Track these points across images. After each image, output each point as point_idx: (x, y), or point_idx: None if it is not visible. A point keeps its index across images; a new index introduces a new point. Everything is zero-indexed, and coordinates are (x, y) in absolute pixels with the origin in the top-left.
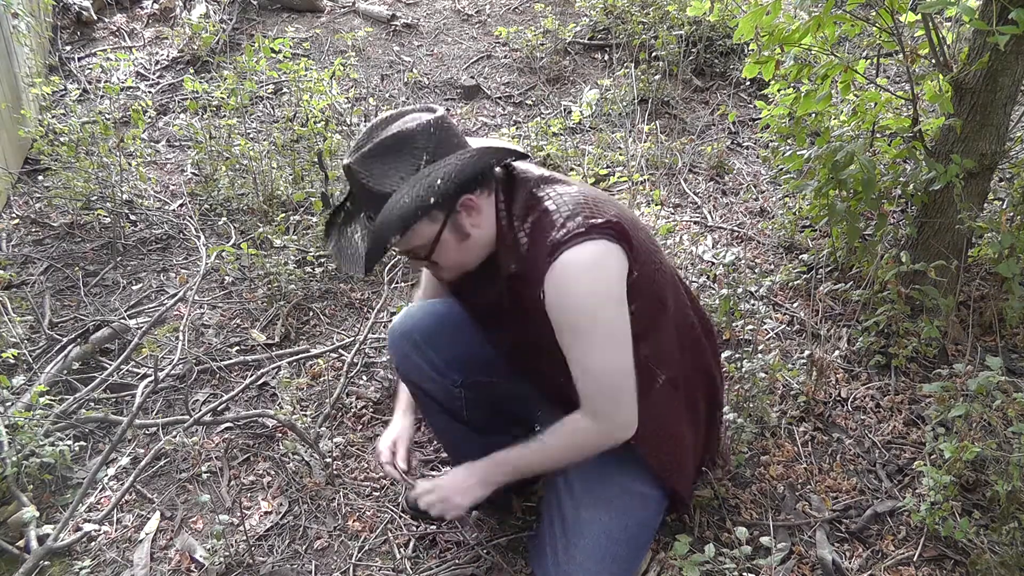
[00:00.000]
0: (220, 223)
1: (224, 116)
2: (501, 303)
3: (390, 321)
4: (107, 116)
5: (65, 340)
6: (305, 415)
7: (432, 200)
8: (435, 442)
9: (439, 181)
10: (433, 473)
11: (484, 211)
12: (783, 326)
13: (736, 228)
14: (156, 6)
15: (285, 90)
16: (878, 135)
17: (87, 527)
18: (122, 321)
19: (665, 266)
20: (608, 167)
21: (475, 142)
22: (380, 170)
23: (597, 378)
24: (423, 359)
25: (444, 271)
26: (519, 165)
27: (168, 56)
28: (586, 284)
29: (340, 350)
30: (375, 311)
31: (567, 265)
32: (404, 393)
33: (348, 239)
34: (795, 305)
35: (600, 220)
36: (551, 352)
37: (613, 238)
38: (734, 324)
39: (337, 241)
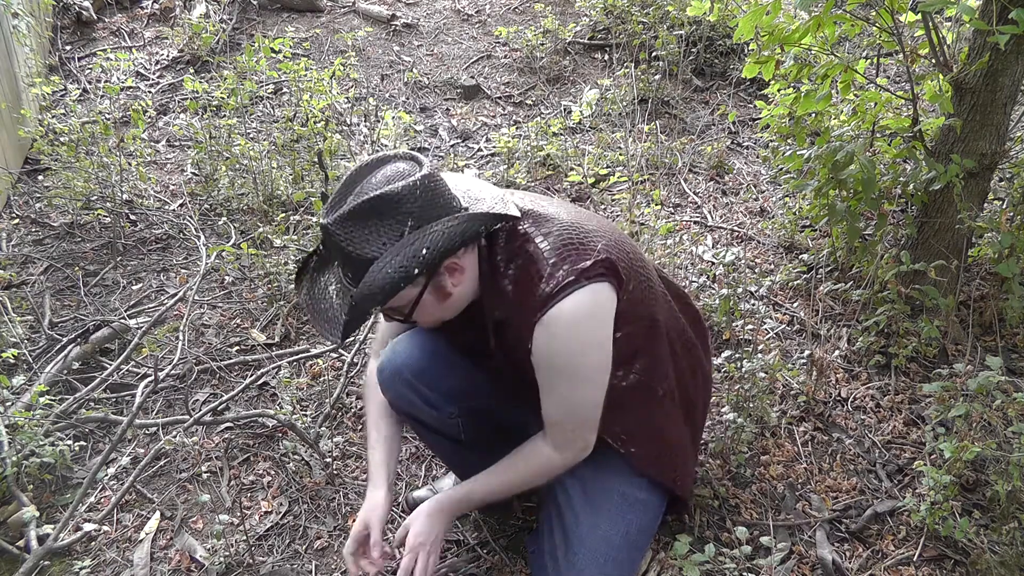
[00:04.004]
0: (220, 223)
1: (224, 116)
2: (486, 342)
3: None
4: (107, 116)
5: (65, 340)
6: (305, 415)
7: (416, 271)
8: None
9: (424, 251)
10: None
11: (467, 269)
12: (783, 326)
13: (736, 228)
14: (156, 6)
15: (285, 90)
16: (878, 135)
17: (87, 527)
18: (122, 321)
19: (653, 280)
20: (608, 167)
21: (462, 184)
22: (361, 234)
23: (569, 412)
24: (417, 396)
25: (422, 323)
26: None
27: (168, 56)
28: (573, 336)
29: (340, 350)
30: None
31: (555, 320)
32: (379, 454)
33: (322, 290)
34: (795, 305)
35: (588, 263)
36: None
37: (602, 278)
38: (734, 324)
39: (309, 290)
